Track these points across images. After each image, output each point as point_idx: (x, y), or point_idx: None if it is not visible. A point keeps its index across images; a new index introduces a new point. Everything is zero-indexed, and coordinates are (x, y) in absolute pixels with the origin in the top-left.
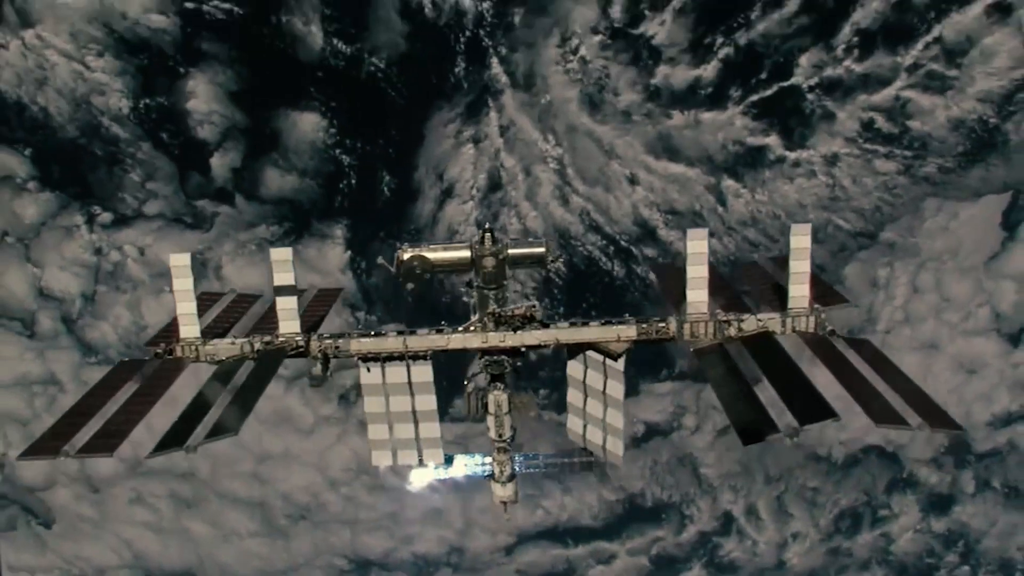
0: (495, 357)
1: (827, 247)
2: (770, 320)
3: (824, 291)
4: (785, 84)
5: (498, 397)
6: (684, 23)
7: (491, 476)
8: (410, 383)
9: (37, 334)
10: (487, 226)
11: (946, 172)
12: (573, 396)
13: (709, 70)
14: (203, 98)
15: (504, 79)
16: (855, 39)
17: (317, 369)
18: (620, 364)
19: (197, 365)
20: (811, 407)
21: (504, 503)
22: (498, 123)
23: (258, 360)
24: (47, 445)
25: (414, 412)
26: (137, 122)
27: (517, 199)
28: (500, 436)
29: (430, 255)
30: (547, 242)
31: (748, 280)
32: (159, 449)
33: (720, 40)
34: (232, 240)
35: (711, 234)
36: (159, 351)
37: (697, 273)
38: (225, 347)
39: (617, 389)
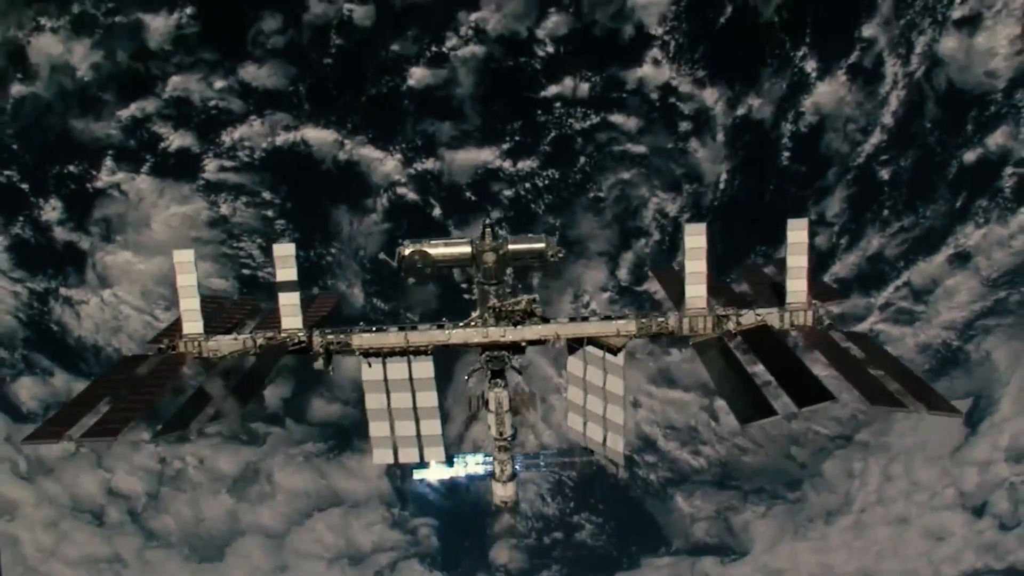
0: (495, 353)
1: (807, 448)
2: (768, 315)
3: (821, 288)
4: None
5: (499, 395)
6: None
7: (491, 475)
8: (411, 379)
9: (105, 523)
10: (488, 221)
11: None
12: (573, 394)
13: None
14: None
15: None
16: (833, 285)
17: (319, 364)
18: (620, 359)
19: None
20: (808, 391)
21: (504, 503)
22: (518, 362)
23: (260, 354)
24: (51, 430)
25: (415, 409)
26: (198, 362)
27: (534, 420)
28: (501, 434)
29: (431, 251)
30: (547, 238)
31: (748, 281)
32: (161, 434)
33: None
34: (282, 454)
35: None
36: (162, 347)
37: (695, 268)
38: (227, 343)
39: (617, 384)
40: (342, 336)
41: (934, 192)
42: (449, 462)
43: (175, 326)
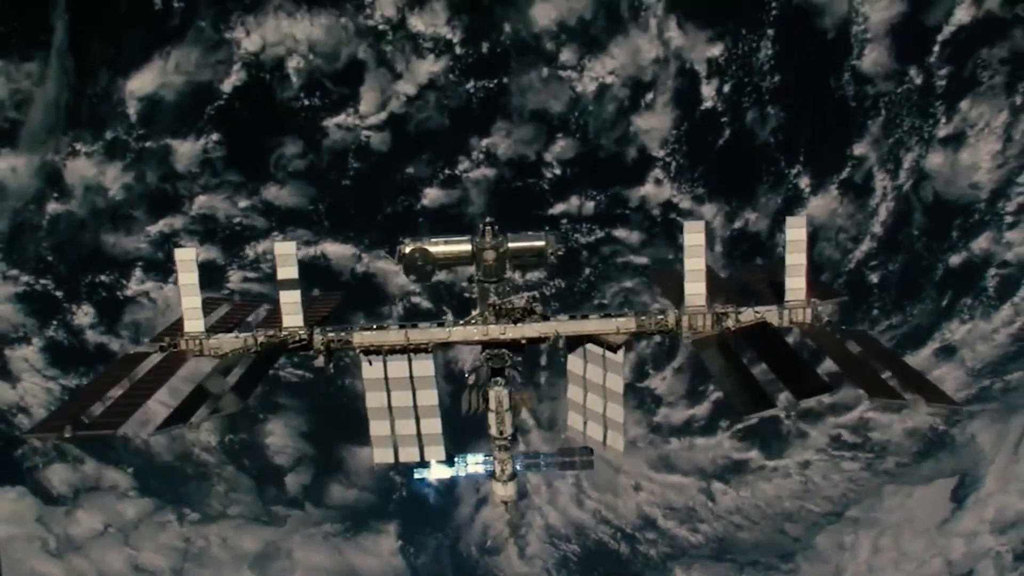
0: (496, 351)
1: (800, 524)
2: (767, 312)
3: (820, 286)
4: (766, 415)
5: (499, 393)
6: (681, 378)
7: (492, 475)
8: (412, 377)
9: None
10: (488, 219)
11: (903, 466)
12: (573, 392)
13: (702, 409)
14: (279, 436)
15: (531, 422)
16: (825, 378)
17: (320, 361)
18: (619, 356)
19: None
20: (807, 384)
21: (505, 503)
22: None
23: (260, 352)
24: (54, 423)
25: (415, 407)
26: (223, 451)
27: (541, 503)
28: (501, 433)
29: (432, 248)
30: (547, 235)
31: (747, 280)
32: (163, 427)
33: (711, 388)
34: (302, 534)
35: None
36: (163, 344)
37: (694, 266)
38: (229, 341)
39: (617, 382)
40: (343, 334)
41: (921, 293)
42: (449, 461)
43: (176, 324)
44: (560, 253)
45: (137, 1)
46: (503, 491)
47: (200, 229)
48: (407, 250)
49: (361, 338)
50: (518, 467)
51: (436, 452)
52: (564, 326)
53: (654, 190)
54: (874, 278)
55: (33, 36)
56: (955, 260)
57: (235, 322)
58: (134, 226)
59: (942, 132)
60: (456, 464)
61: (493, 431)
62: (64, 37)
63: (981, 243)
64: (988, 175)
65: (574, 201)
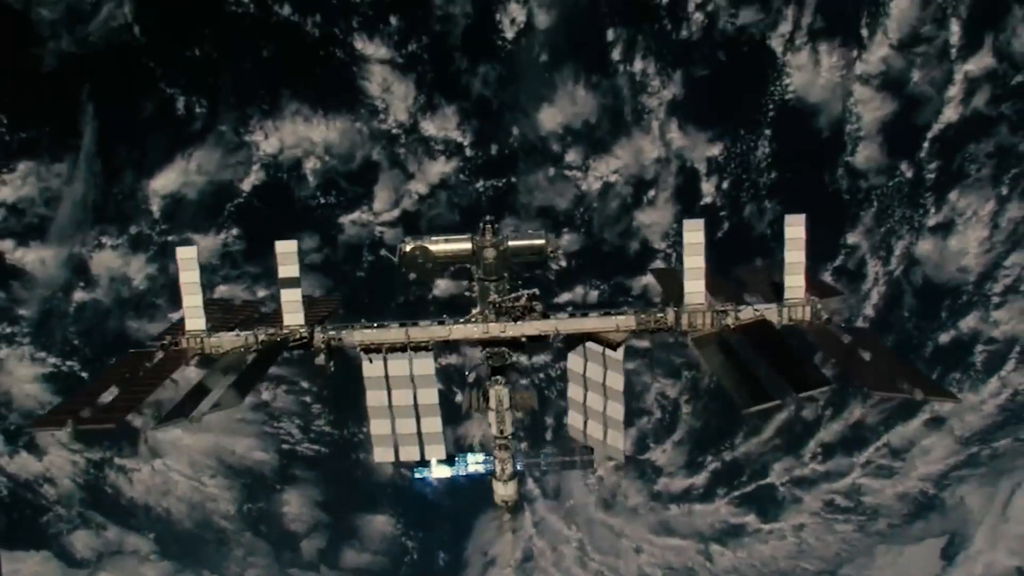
0: (496, 349)
1: None
2: (767, 310)
3: (819, 284)
4: (762, 482)
5: (499, 392)
6: (681, 450)
7: (492, 474)
8: (412, 376)
9: None
10: (488, 218)
11: (894, 527)
12: (573, 391)
13: (701, 478)
14: (295, 505)
15: (537, 492)
16: (819, 450)
17: (321, 359)
18: (619, 354)
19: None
20: (806, 377)
21: (505, 503)
22: (532, 519)
23: (261, 350)
24: (56, 418)
25: (416, 406)
26: (241, 519)
27: (546, 566)
28: (501, 432)
29: (432, 246)
30: (547, 234)
31: (746, 279)
32: (164, 421)
33: (710, 459)
34: None
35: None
36: (164, 343)
37: (694, 264)
38: (230, 340)
39: (617, 380)
40: (343, 332)
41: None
42: (450, 461)
43: (178, 323)
44: (559, 251)
45: (161, 107)
46: (503, 491)
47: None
48: (408, 248)
49: (362, 336)
50: (519, 466)
51: (436, 451)
52: (564, 324)
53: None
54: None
55: (63, 140)
56: (944, 338)
57: (237, 321)
58: (157, 314)
59: (932, 221)
60: (456, 463)
61: (493, 430)
62: (92, 141)
63: (969, 322)
64: (976, 260)
65: (579, 290)
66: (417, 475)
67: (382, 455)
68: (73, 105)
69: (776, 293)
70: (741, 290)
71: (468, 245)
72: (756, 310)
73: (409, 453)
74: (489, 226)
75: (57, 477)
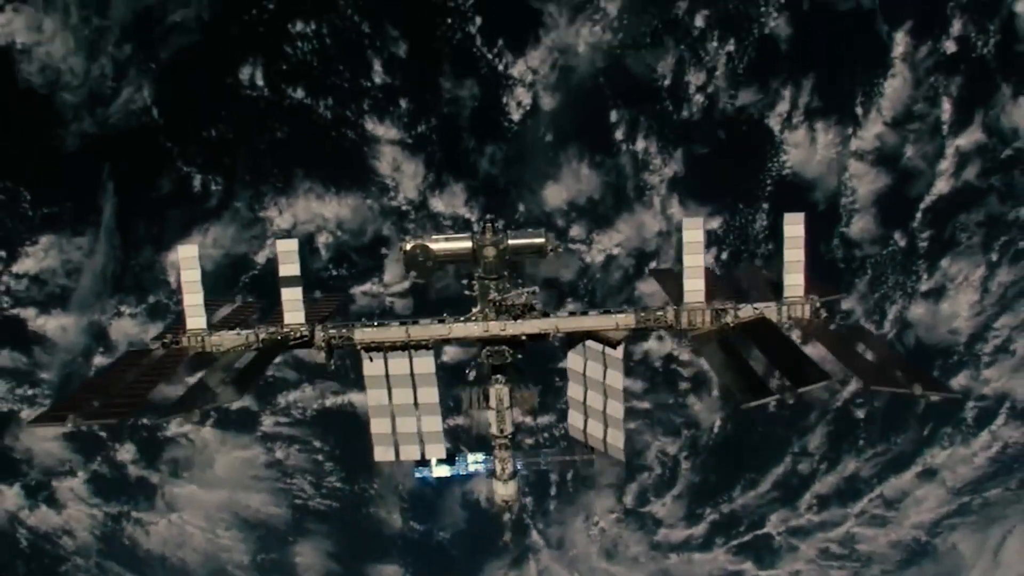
0: (496, 348)
1: None
2: (766, 309)
3: (818, 283)
4: (759, 532)
5: (499, 391)
6: (681, 503)
7: (492, 474)
8: (412, 374)
9: None
10: (488, 216)
11: (887, 573)
12: (573, 390)
13: (700, 529)
14: (307, 556)
15: (542, 542)
16: (814, 501)
17: (321, 358)
18: (619, 352)
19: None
20: (805, 372)
21: (505, 502)
22: (536, 568)
23: (261, 348)
24: (56, 414)
25: (416, 405)
26: (255, 568)
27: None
28: (501, 432)
29: (432, 245)
30: (546, 233)
31: (746, 278)
32: (165, 415)
33: (708, 510)
34: None
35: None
36: (165, 341)
37: (693, 262)
38: (230, 338)
39: (616, 379)
40: (344, 331)
41: (904, 424)
42: (450, 460)
43: (179, 325)
44: (559, 250)
45: (178, 184)
46: (504, 490)
47: None
48: (408, 246)
49: (363, 334)
50: (519, 466)
51: (436, 450)
52: (564, 322)
53: (656, 345)
54: (860, 413)
55: (84, 215)
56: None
57: (238, 321)
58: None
59: (924, 287)
60: (457, 462)
61: (494, 429)
62: (112, 216)
63: (960, 380)
64: (967, 322)
65: None
66: (417, 474)
67: (382, 454)
68: (94, 182)
69: (775, 290)
70: (740, 288)
71: (468, 243)
72: (755, 308)
73: (409, 452)
74: (489, 224)
75: (75, 529)
